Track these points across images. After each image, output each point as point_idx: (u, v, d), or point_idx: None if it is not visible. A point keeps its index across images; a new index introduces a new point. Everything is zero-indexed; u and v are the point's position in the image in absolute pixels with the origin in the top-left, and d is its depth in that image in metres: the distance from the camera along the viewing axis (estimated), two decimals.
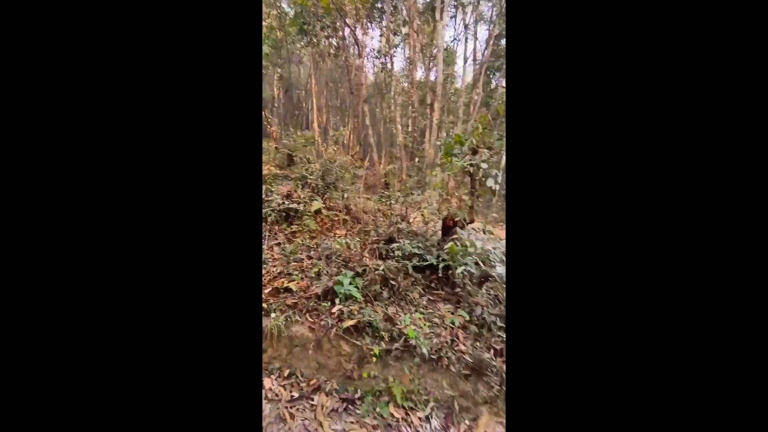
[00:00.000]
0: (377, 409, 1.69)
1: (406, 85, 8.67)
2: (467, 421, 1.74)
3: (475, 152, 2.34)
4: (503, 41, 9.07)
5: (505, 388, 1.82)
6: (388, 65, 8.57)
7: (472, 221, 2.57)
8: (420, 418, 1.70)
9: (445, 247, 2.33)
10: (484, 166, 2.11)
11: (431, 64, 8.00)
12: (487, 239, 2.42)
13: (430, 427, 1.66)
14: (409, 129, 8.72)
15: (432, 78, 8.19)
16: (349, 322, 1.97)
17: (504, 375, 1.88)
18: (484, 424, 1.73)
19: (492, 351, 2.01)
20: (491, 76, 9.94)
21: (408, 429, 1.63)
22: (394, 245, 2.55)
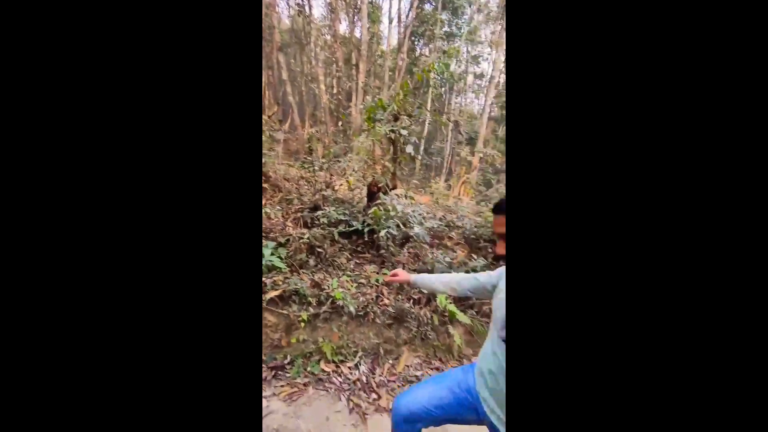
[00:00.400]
0: (308, 369, 1.77)
1: (328, 38, 7.86)
2: (390, 361, 2.01)
3: (396, 119, 2.38)
4: (428, 5, 9.03)
5: (422, 330, 2.15)
6: (306, 8, 7.52)
7: (394, 187, 2.70)
8: (349, 368, 1.86)
9: (369, 212, 2.42)
10: (404, 132, 2.19)
11: (355, 17, 7.39)
12: (407, 204, 2.61)
13: (359, 372, 1.85)
14: (334, 90, 8.15)
15: (357, 35, 7.66)
16: (273, 293, 1.91)
17: (420, 319, 2.21)
18: (404, 360, 2.03)
19: (411, 301, 2.30)
20: (416, 42, 9.94)
21: (338, 378, 1.78)
22: (320, 213, 2.49)
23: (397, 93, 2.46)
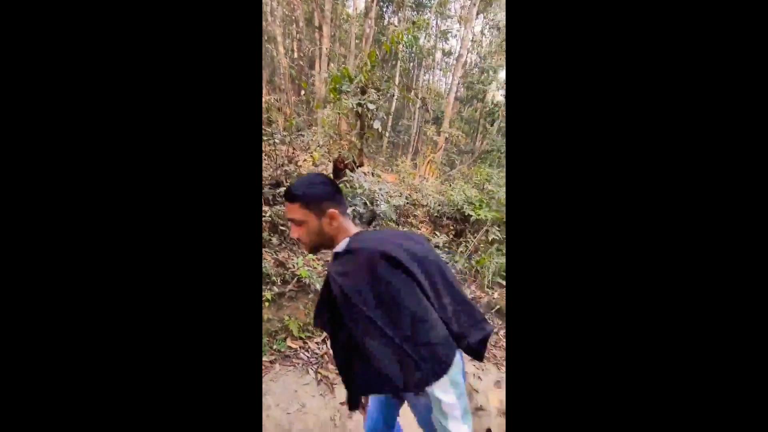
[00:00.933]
0: (274, 347, 1.76)
1: None
2: None
3: (363, 92, 2.28)
4: None
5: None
6: None
7: (361, 164, 2.65)
8: (317, 343, 1.90)
9: None
10: (371, 107, 2.11)
11: None
12: (374, 181, 2.59)
13: (327, 346, 1.89)
14: (295, 55, 7.42)
15: None
16: None
17: None
18: None
19: None
20: (384, 8, 9.35)
21: (306, 354, 1.81)
22: (282, 189, 2.36)
23: (365, 63, 2.33)
